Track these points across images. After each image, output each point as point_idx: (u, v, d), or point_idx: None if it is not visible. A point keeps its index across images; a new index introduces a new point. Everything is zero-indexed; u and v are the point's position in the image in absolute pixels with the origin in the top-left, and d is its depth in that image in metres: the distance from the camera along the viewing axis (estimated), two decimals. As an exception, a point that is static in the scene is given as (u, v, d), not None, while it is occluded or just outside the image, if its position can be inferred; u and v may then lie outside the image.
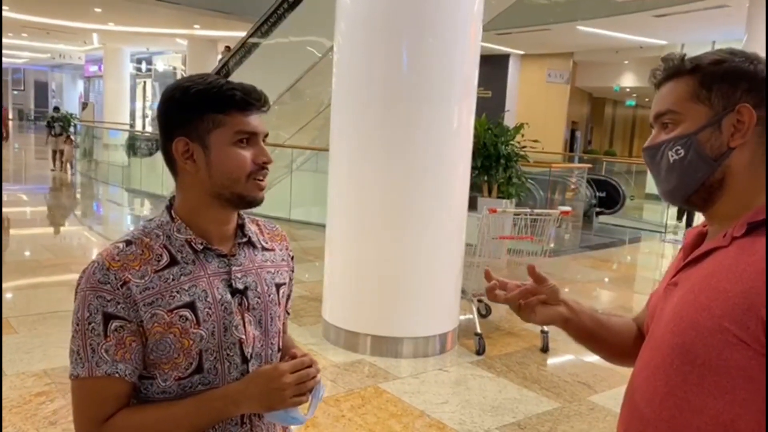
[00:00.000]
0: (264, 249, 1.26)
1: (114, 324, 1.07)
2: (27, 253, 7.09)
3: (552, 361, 4.44)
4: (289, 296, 1.35)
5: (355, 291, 4.32)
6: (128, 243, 1.13)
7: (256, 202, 1.16)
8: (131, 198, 11.95)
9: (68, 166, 14.85)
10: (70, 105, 30.15)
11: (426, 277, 4.22)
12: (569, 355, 4.53)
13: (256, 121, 1.14)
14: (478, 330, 4.41)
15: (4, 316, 4.62)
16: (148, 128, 22.81)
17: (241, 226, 1.23)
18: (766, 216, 0.96)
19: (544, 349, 4.52)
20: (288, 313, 1.39)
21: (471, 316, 4.55)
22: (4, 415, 3.18)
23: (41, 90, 37.12)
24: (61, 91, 36.32)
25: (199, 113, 1.12)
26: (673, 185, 1.04)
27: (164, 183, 10.87)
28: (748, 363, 0.90)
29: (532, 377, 4.05)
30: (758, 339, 0.88)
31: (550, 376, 4.12)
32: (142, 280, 1.09)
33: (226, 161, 1.12)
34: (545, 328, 4.53)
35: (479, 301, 4.85)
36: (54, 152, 15.48)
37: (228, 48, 14.68)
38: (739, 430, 0.91)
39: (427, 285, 4.24)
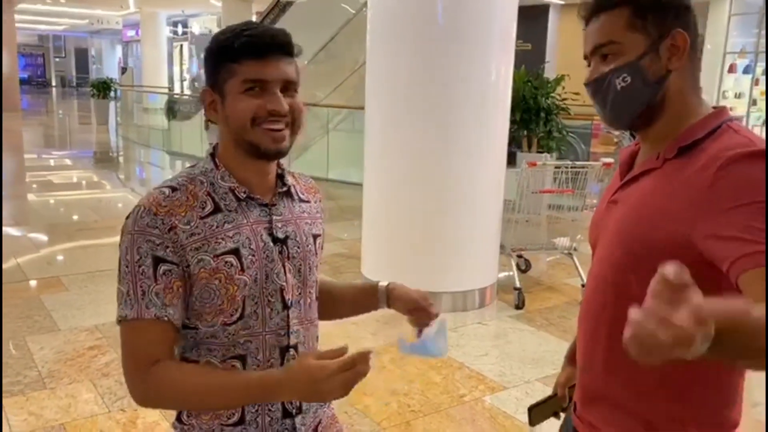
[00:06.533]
0: (301, 200, 1.27)
1: (163, 268, 1.08)
2: (75, 217, 7.32)
3: (593, 315, 4.39)
4: (321, 247, 1.35)
5: (393, 247, 4.33)
6: (173, 189, 1.13)
7: (269, 153, 1.14)
8: (172, 161, 12.13)
9: None
10: (111, 70, 30.53)
11: (464, 233, 4.20)
12: (610, 310, 4.48)
13: (271, 68, 1.10)
14: (518, 284, 4.40)
15: (56, 274, 4.85)
16: (187, 92, 22.99)
17: (280, 176, 1.23)
18: None
19: (585, 304, 4.47)
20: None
21: (510, 273, 4.53)
22: (59, 367, 3.34)
23: (82, 56, 37.58)
24: (100, 57, 36.75)
25: (219, 63, 1.12)
26: (622, 110, 1.13)
27: (203, 145, 10.99)
28: (689, 263, 0.99)
29: (573, 331, 4.00)
30: (695, 245, 1.01)
31: (591, 330, 4.08)
32: (188, 226, 1.10)
33: (233, 109, 1.12)
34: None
35: (519, 256, 4.82)
36: None
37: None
38: None
39: (466, 240, 4.22)
